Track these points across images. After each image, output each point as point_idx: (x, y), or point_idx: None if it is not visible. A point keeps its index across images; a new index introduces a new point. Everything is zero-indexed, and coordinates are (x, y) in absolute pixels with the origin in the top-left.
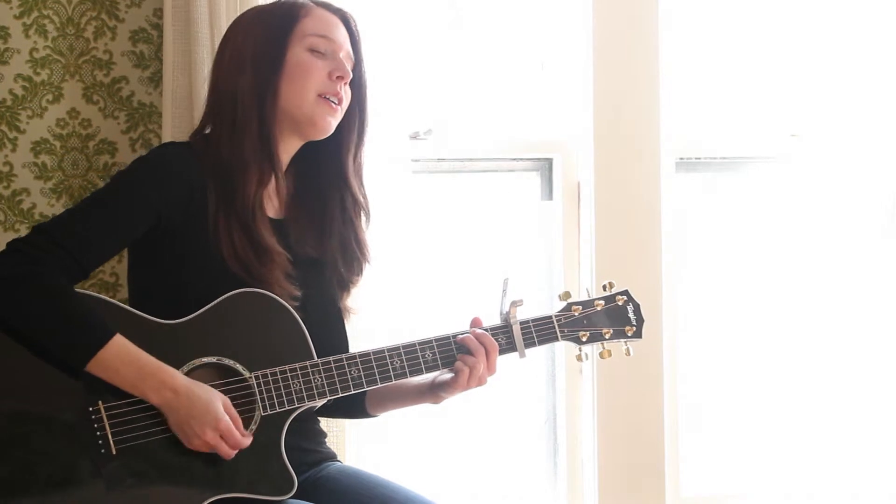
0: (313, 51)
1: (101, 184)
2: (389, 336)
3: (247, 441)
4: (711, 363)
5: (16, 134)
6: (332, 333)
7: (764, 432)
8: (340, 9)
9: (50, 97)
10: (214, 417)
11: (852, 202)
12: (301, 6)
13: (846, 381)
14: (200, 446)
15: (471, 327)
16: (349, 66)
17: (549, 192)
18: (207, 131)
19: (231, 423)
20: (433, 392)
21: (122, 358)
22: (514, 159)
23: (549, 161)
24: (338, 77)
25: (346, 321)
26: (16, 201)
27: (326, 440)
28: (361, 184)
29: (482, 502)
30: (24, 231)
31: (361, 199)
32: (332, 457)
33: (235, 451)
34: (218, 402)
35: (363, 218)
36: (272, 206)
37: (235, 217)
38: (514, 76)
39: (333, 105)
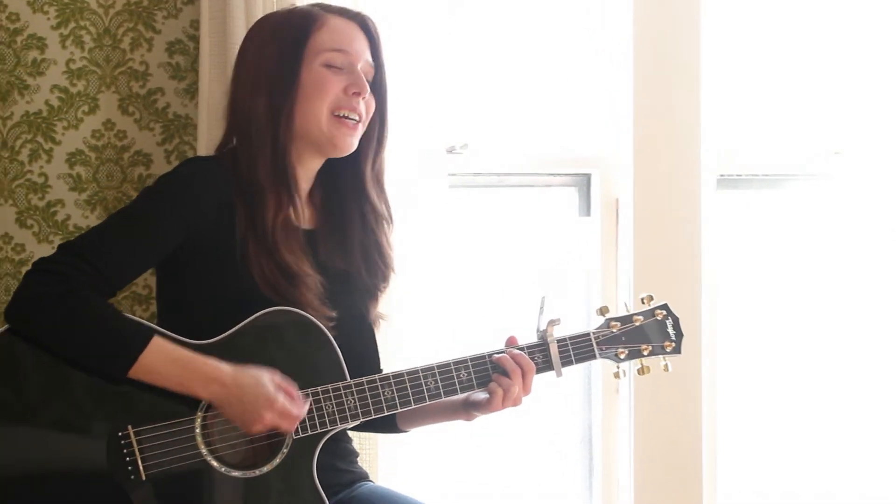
0: (329, 66)
1: (136, 196)
2: (424, 350)
3: (304, 409)
4: (751, 382)
5: (51, 145)
6: (364, 349)
7: (805, 455)
8: (358, 13)
9: (86, 108)
10: (267, 400)
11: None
12: (314, 18)
13: (890, 400)
14: (262, 430)
15: (506, 346)
16: (369, 76)
17: (586, 208)
18: (233, 145)
19: (286, 401)
20: (466, 410)
21: (164, 358)
22: (552, 174)
23: (587, 177)
24: (354, 93)
25: (376, 330)
26: (50, 212)
27: (358, 458)
28: (381, 190)
29: None
30: (57, 243)
31: (381, 208)
32: (364, 476)
33: (296, 424)
34: (267, 383)
35: (385, 225)
36: (304, 217)
37: (261, 242)
38: (553, 91)
39: (352, 123)
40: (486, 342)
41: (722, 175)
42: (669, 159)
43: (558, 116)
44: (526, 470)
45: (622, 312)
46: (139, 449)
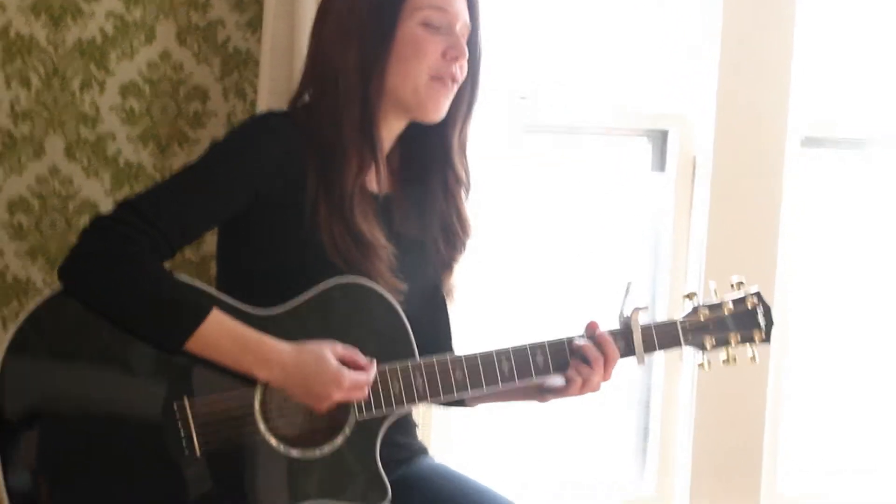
0: (427, 25)
1: (191, 132)
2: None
3: (373, 373)
4: (822, 358)
5: (104, 76)
6: (436, 324)
7: (869, 435)
8: None
9: (142, 38)
10: (334, 377)
11: None
12: None
13: None
14: (331, 406)
15: (587, 331)
16: (465, 38)
17: (660, 163)
18: (307, 99)
19: (353, 375)
20: (540, 393)
21: (222, 333)
22: (629, 129)
23: (663, 133)
24: (453, 57)
25: (450, 302)
26: (100, 146)
27: (417, 429)
28: (465, 159)
29: (567, 487)
30: (107, 180)
31: (464, 176)
32: (423, 450)
33: (367, 391)
34: (331, 359)
35: (464, 193)
36: (376, 182)
37: (335, 206)
38: (634, 43)
39: (448, 86)
40: (550, 297)
41: (807, 137)
42: (754, 119)
43: (637, 69)
44: (579, 438)
45: (712, 299)
46: (194, 423)
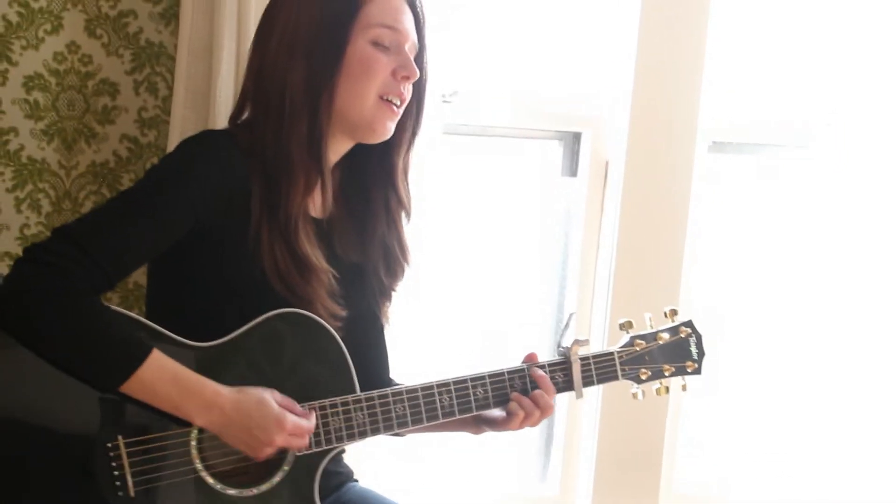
0: (377, 44)
1: (99, 128)
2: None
3: (314, 421)
4: (724, 358)
5: (6, 66)
6: (374, 352)
7: (767, 433)
8: None
9: (48, 27)
10: (276, 422)
11: (888, 193)
12: None
13: (862, 380)
14: (271, 453)
15: (525, 362)
16: (413, 57)
17: (569, 166)
18: (247, 115)
19: (295, 420)
20: (476, 424)
21: (160, 376)
22: (541, 130)
23: (575, 135)
24: (403, 77)
25: (385, 328)
26: (1, 141)
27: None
28: (407, 182)
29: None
30: (8, 176)
31: (405, 199)
32: (350, 475)
33: (308, 439)
34: (272, 404)
35: (405, 218)
36: (314, 205)
37: (278, 229)
38: (549, 46)
39: (395, 108)
40: (461, 299)
41: (714, 141)
42: (667, 124)
43: (553, 72)
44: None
45: (646, 329)
46: (129, 462)
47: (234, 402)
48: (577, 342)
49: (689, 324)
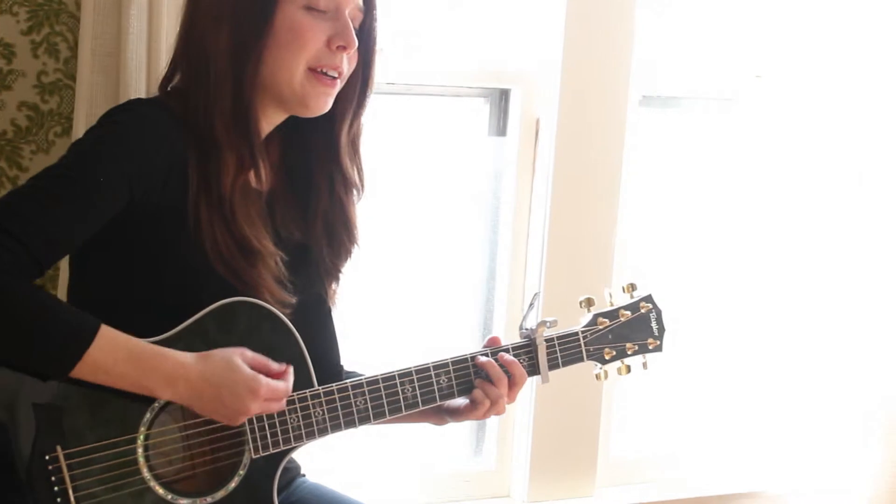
0: (310, 8)
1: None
2: None
3: (290, 382)
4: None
5: None
6: (324, 337)
7: (703, 396)
8: None
9: None
10: (248, 389)
11: (820, 147)
12: None
13: (795, 340)
14: (247, 419)
15: (488, 346)
16: (356, 22)
17: (497, 125)
18: (177, 82)
19: (269, 382)
20: (438, 415)
21: (116, 353)
22: (469, 87)
23: (502, 92)
24: (339, 47)
25: (333, 310)
26: None
27: None
28: (356, 154)
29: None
30: None
31: (353, 176)
32: (298, 470)
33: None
34: (242, 368)
35: (355, 195)
36: (255, 177)
37: (215, 208)
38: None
39: (329, 81)
40: (390, 268)
41: (644, 95)
42: (599, 79)
43: (480, 27)
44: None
45: (607, 306)
46: (70, 475)
47: (199, 371)
48: (542, 323)
49: (648, 299)
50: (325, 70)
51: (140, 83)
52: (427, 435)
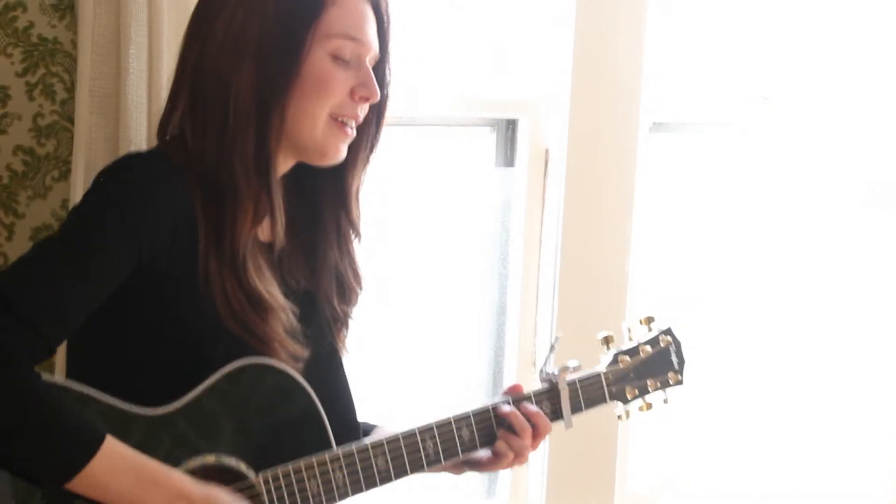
0: (336, 57)
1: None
2: None
3: None
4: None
5: None
6: (338, 391)
7: (721, 423)
8: None
9: None
10: None
11: (829, 170)
12: None
13: (815, 372)
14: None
15: (509, 393)
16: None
17: (504, 156)
18: (177, 126)
19: None
20: (457, 465)
21: (115, 467)
22: (476, 118)
23: (509, 122)
24: (362, 98)
25: (345, 359)
26: None
27: None
28: (359, 201)
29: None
30: None
31: (357, 220)
32: None
33: None
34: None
35: (356, 240)
36: (263, 228)
37: (226, 262)
38: (484, 28)
39: (349, 131)
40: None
41: (654, 122)
42: (609, 106)
43: (485, 57)
44: None
45: (626, 342)
46: None
47: (203, 496)
48: (565, 369)
49: (668, 332)
50: (345, 119)
51: (141, 125)
52: (438, 477)
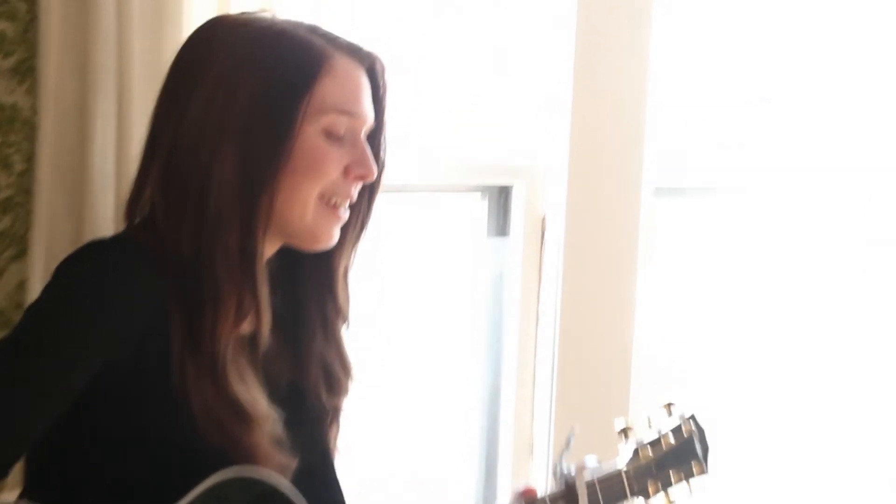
0: (329, 134)
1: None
2: None
3: None
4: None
5: None
6: (329, 498)
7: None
8: (369, 53)
9: None
10: None
11: (832, 233)
12: (321, 56)
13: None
14: None
15: (524, 497)
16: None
17: (497, 224)
18: (149, 207)
19: None
20: None
21: None
22: (467, 186)
23: (499, 188)
24: (358, 176)
25: (335, 457)
26: None
27: None
28: (347, 284)
29: None
30: None
31: (344, 305)
32: None
33: None
34: None
35: (343, 328)
36: (248, 322)
37: (205, 368)
38: (470, 92)
39: (342, 213)
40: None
41: (658, 187)
42: (609, 171)
43: (476, 120)
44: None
45: (648, 433)
46: None
47: None
48: (583, 468)
49: (691, 419)
50: (337, 201)
51: (107, 202)
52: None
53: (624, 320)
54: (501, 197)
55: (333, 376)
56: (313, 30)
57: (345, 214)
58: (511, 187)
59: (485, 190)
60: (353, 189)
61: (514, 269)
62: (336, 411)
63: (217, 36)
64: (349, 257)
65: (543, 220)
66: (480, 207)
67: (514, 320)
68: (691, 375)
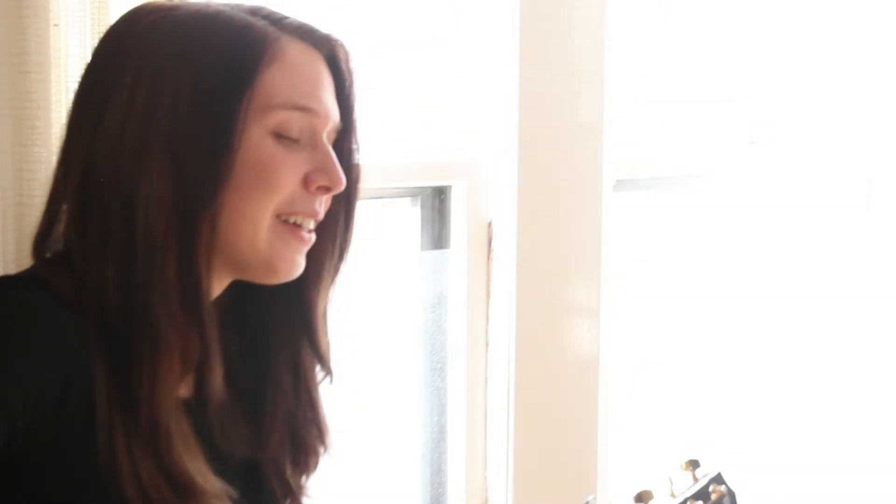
0: (281, 136)
1: None
2: None
3: None
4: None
5: None
6: None
7: None
8: (328, 36)
9: None
10: None
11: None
12: (264, 39)
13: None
14: None
15: None
16: (331, 139)
17: (433, 235)
18: (62, 244)
19: None
20: None
21: None
22: (394, 188)
23: (433, 190)
24: (322, 188)
25: None
26: None
27: None
28: (327, 325)
29: None
30: None
31: (325, 352)
32: None
33: None
34: None
35: (323, 379)
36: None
37: (140, 437)
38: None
39: (305, 235)
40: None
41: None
42: (564, 165)
43: (404, 112)
44: None
45: (670, 498)
46: None
47: None
48: None
49: (719, 479)
50: (298, 220)
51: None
52: None
53: (589, 343)
54: (437, 201)
55: (303, 444)
56: (255, 11)
57: (310, 237)
58: (449, 189)
59: (416, 193)
60: (316, 204)
61: (457, 288)
62: (300, 491)
63: (135, 28)
64: (328, 291)
65: (489, 226)
66: (412, 215)
67: (459, 349)
68: (668, 398)
